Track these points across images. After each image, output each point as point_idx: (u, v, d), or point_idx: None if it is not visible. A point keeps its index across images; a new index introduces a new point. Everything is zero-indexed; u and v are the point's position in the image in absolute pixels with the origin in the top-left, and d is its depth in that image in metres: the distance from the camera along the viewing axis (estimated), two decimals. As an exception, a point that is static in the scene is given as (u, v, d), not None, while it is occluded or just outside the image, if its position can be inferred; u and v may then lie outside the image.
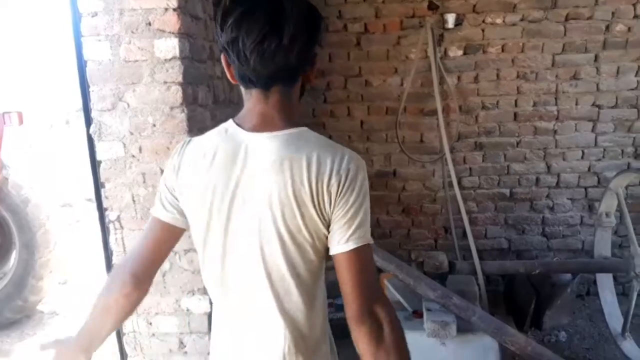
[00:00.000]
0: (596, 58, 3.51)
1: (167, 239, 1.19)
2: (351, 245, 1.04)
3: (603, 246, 3.09)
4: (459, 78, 3.60)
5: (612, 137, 3.61)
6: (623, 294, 3.44)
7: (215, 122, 2.25)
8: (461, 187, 3.62)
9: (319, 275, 1.15)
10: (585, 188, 3.68)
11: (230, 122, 1.10)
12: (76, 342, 1.17)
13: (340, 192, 1.03)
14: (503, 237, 3.80)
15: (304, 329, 1.13)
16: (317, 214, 1.04)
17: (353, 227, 1.04)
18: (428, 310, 2.46)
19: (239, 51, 1.00)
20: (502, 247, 3.81)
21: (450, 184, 3.57)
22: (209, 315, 2.15)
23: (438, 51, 3.50)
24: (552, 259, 3.64)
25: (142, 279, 1.18)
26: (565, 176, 3.68)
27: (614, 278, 3.21)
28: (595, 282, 3.36)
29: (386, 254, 2.57)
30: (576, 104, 3.60)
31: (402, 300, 2.71)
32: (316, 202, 1.03)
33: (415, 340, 2.25)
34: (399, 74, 3.62)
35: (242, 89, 1.10)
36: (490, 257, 3.68)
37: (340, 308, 1.29)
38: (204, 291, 2.09)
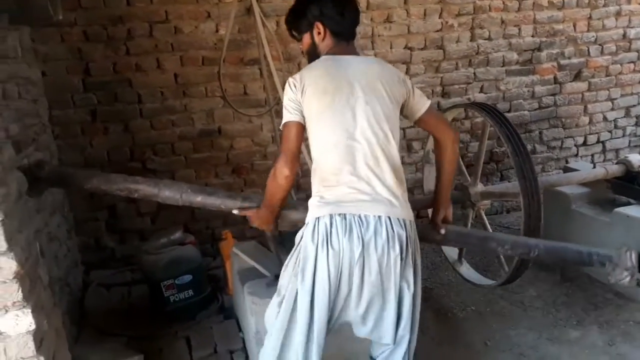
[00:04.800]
0: (405, 0, 3.58)
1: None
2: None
3: (432, 181, 3.22)
4: (277, 23, 3.35)
5: (423, 78, 3.77)
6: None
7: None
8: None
9: None
10: (404, 129, 3.79)
11: (323, 56, 1.81)
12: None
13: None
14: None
15: None
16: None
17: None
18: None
19: (342, 13, 1.80)
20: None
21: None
22: (35, 333, 1.60)
23: (254, -8, 3.19)
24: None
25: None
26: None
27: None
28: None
29: (221, 190, 2.15)
30: (391, 47, 3.65)
31: (258, 266, 2.43)
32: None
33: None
34: (212, 18, 3.22)
35: (333, 42, 1.82)
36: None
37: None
38: (23, 304, 1.56)
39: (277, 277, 2.33)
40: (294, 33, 1.92)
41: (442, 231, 2.02)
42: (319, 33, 1.81)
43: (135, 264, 3.22)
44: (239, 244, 2.74)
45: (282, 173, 1.72)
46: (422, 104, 1.83)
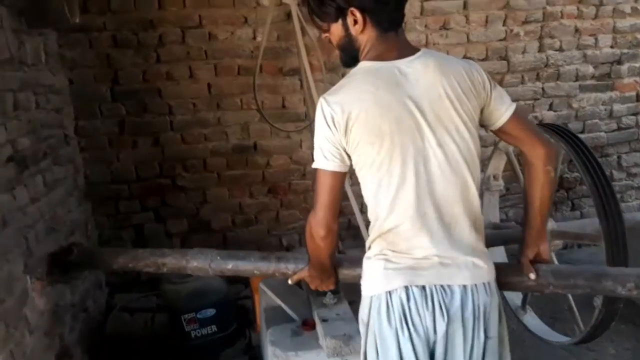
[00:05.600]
0: (465, 5, 3.19)
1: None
2: None
3: (491, 212, 2.80)
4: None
5: (483, 92, 3.36)
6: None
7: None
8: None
9: None
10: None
11: (365, 63, 1.35)
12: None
13: None
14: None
15: None
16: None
17: None
18: (324, 320, 1.87)
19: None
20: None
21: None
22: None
23: (296, -4, 2.90)
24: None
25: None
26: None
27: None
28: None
29: (253, 253, 1.94)
30: (447, 57, 3.26)
31: (285, 306, 2.11)
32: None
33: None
34: (249, 24, 2.96)
35: (376, 34, 1.35)
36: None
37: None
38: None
39: (304, 322, 2.01)
40: (318, 21, 1.43)
41: (532, 276, 1.52)
42: (356, 22, 1.33)
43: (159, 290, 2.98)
44: (267, 279, 2.42)
45: (317, 234, 1.38)
46: (504, 109, 1.39)
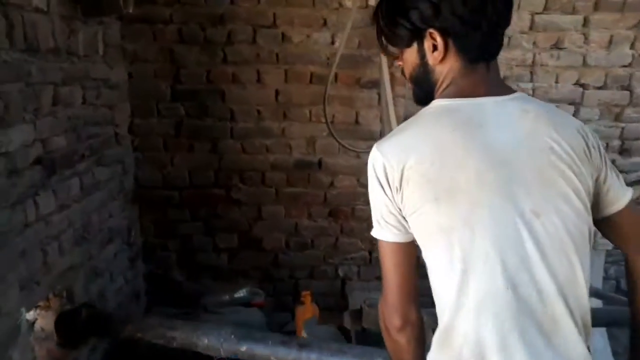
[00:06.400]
0: (585, 22, 2.67)
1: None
2: None
3: (595, 276, 2.29)
4: (408, 39, 2.64)
5: (596, 126, 2.81)
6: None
7: None
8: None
9: None
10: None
11: (440, 101, 1.00)
12: None
13: None
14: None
15: None
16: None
17: None
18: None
19: (488, 17, 0.96)
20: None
21: (393, 182, 2.64)
22: None
23: (383, -2, 2.53)
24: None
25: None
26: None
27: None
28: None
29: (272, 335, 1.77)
30: (556, 82, 2.76)
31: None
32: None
33: None
34: (329, 27, 2.61)
35: (460, 65, 1.00)
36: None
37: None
38: None
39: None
40: (388, 45, 1.12)
41: None
42: (435, 48, 1.00)
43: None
44: (315, 321, 2.07)
45: (392, 325, 1.04)
46: (622, 193, 1.03)
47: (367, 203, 1.27)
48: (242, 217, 2.87)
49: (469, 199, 0.91)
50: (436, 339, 0.99)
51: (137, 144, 2.71)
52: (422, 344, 1.06)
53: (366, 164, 1.03)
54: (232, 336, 1.70)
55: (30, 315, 1.76)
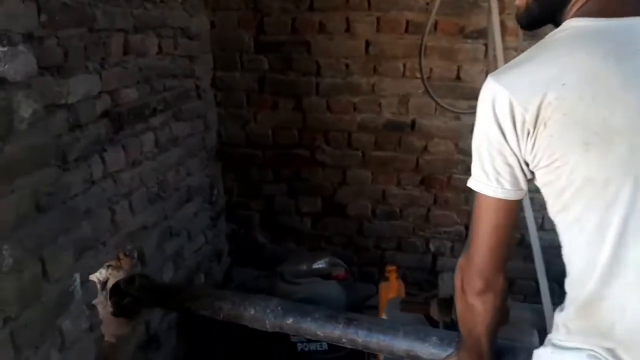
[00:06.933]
0: None
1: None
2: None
3: None
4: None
5: None
6: None
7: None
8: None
9: None
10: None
11: (578, 21, 0.79)
12: None
13: None
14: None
15: None
16: None
17: None
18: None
19: None
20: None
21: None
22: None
23: None
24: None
25: None
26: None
27: None
28: None
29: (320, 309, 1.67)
30: None
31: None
32: None
33: None
34: (430, -34, 2.27)
35: None
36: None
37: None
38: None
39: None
40: None
41: None
42: None
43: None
44: (398, 302, 1.84)
45: (471, 287, 0.91)
46: None
47: (466, 172, 1.01)
48: (325, 180, 2.68)
49: (630, 143, 0.73)
50: (572, 311, 0.82)
51: (219, 98, 2.59)
52: (500, 316, 0.93)
53: (466, 127, 0.80)
54: (279, 307, 1.63)
55: (101, 274, 1.72)
